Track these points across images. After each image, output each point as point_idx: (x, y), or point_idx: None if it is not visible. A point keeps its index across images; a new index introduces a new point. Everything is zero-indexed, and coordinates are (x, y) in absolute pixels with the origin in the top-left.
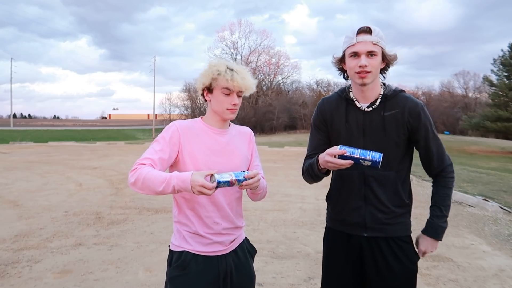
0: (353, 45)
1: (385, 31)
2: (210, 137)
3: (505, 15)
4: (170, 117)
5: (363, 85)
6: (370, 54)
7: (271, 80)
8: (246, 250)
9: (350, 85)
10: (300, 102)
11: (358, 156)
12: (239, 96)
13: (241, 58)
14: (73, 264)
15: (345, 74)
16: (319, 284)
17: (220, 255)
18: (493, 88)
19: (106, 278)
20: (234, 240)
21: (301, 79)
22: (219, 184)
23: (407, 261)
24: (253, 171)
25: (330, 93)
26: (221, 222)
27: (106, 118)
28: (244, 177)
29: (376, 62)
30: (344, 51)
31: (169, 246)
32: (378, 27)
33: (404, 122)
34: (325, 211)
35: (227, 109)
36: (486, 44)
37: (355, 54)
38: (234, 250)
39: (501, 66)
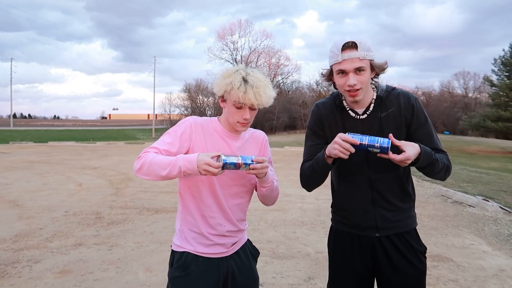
0: (339, 62)
1: (392, 34)
2: (222, 139)
3: (509, 19)
4: (170, 117)
5: (355, 102)
6: (358, 70)
7: (271, 80)
8: (248, 252)
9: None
10: (300, 102)
11: (366, 143)
12: (252, 110)
13: (241, 58)
14: (73, 264)
15: (336, 86)
16: (319, 284)
17: (221, 257)
18: (494, 88)
19: (106, 278)
20: (236, 243)
21: (301, 79)
22: (225, 165)
23: (419, 252)
24: (262, 157)
25: (330, 93)
26: (225, 224)
27: (106, 118)
28: (252, 161)
29: (365, 78)
30: (331, 66)
31: (171, 246)
32: (365, 38)
33: (402, 119)
34: (325, 211)
35: (238, 122)
36: (490, 47)
37: (343, 72)
38: (236, 252)
39: (501, 66)
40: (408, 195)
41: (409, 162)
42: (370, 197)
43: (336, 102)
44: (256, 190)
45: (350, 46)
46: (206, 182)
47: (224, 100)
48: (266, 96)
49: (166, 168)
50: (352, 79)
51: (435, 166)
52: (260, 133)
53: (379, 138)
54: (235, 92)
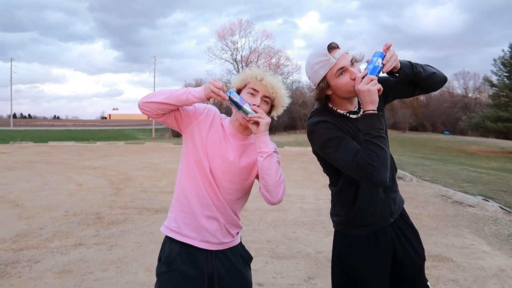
0: (336, 63)
1: (393, 35)
2: (224, 134)
3: (509, 20)
4: None
5: (350, 102)
6: (352, 63)
7: None
8: (239, 256)
9: (325, 103)
10: (300, 102)
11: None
12: (264, 102)
13: (241, 58)
14: (73, 264)
15: (326, 100)
16: (319, 284)
17: (207, 255)
18: (494, 88)
19: (106, 278)
20: (224, 243)
21: (301, 79)
22: (230, 96)
23: (413, 225)
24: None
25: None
26: (218, 215)
27: (106, 118)
28: (251, 110)
29: (359, 68)
30: (326, 75)
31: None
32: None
33: (381, 97)
34: (325, 211)
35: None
36: (490, 48)
37: (342, 71)
38: (224, 253)
39: (501, 66)
40: (395, 169)
41: (398, 66)
42: (382, 189)
43: (334, 113)
44: (257, 178)
45: (334, 47)
46: (205, 179)
47: (238, 93)
48: (281, 93)
49: (173, 91)
50: (356, 70)
51: (422, 70)
52: None
53: (373, 58)
54: (252, 79)
